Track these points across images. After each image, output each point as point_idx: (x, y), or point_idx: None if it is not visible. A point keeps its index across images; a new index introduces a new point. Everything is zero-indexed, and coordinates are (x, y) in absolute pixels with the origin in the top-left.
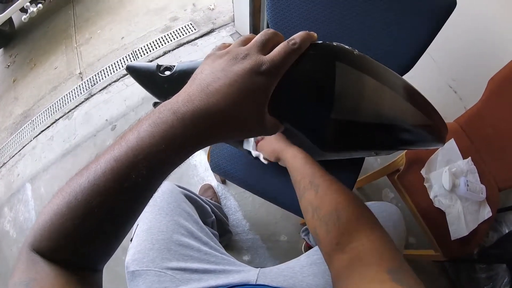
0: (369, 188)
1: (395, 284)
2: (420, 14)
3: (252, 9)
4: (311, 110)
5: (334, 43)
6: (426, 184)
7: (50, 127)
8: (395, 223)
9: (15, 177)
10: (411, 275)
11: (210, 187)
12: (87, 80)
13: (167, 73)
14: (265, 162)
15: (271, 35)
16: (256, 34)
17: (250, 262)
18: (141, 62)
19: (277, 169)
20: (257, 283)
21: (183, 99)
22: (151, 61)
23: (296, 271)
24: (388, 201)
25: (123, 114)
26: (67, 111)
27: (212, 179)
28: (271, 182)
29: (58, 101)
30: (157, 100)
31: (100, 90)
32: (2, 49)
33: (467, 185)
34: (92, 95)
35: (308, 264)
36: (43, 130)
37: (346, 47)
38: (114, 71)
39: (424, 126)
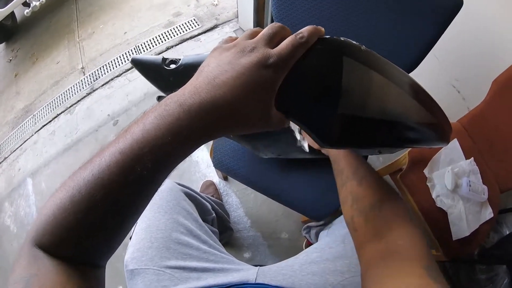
0: None
1: (431, 281)
2: (426, 13)
3: (256, 5)
4: (317, 105)
5: (342, 38)
6: (428, 184)
7: (52, 121)
8: None
9: (16, 171)
10: (441, 273)
11: (212, 183)
12: (89, 75)
13: (173, 66)
14: (306, 149)
15: (278, 29)
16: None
17: (251, 259)
18: (147, 55)
19: (281, 166)
20: (256, 282)
21: (190, 92)
22: None
23: (296, 270)
24: None
25: (125, 109)
26: (69, 106)
27: (214, 176)
28: (274, 179)
29: (60, 96)
30: (161, 94)
31: (102, 85)
32: (4, 43)
33: (469, 186)
34: (94, 90)
35: (307, 262)
36: (44, 125)
37: (354, 42)
38: (116, 66)
39: (429, 124)
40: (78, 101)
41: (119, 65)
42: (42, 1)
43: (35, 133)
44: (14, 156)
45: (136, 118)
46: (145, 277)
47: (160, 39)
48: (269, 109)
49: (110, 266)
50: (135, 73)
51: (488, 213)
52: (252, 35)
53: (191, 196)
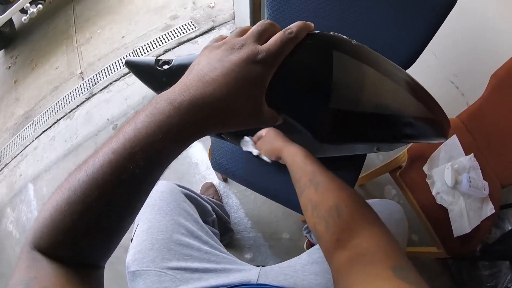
0: (371, 185)
1: (399, 281)
2: (421, 9)
3: (252, 7)
4: (309, 100)
5: (332, 33)
6: (428, 181)
7: (52, 127)
8: (398, 221)
9: (17, 177)
10: (414, 273)
11: (211, 185)
12: (88, 80)
13: (166, 67)
14: (269, 160)
15: (267, 26)
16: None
17: (252, 260)
18: (140, 57)
19: (279, 166)
20: (258, 282)
21: (180, 89)
22: None
23: (297, 270)
24: (390, 198)
25: (124, 113)
26: (68, 111)
27: (213, 178)
28: (272, 179)
29: (59, 101)
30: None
31: (101, 90)
32: (3, 50)
33: (470, 182)
34: (93, 95)
35: (309, 262)
36: (44, 131)
37: (344, 36)
38: (114, 71)
39: (425, 119)
40: (78, 106)
41: (117, 69)
42: (39, 8)
43: (35, 139)
44: (15, 162)
45: (128, 118)
46: (147, 279)
47: (158, 42)
48: (260, 105)
49: (111, 268)
50: (134, 77)
51: (489, 209)
52: (242, 33)
53: (191, 197)
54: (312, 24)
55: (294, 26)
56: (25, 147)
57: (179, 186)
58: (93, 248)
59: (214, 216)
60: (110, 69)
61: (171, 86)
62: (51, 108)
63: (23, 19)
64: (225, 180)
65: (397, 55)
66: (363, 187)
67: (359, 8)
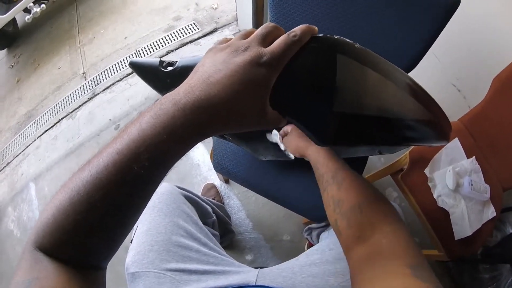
0: None
1: (416, 280)
2: (423, 12)
3: (255, 8)
4: (312, 103)
5: (335, 36)
6: (429, 184)
7: (54, 126)
8: None
9: (19, 176)
10: (431, 272)
11: (213, 186)
12: (91, 80)
13: (170, 68)
14: (292, 156)
15: (271, 29)
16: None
17: (252, 261)
18: (145, 58)
19: (280, 168)
20: (257, 284)
21: (184, 90)
22: None
23: (296, 272)
24: (391, 200)
25: (126, 114)
26: (70, 110)
27: (215, 179)
28: (274, 181)
29: (62, 101)
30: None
31: (104, 90)
32: (6, 49)
33: (471, 185)
34: (95, 95)
35: (307, 264)
36: (46, 130)
37: (347, 40)
38: (117, 71)
39: (427, 122)
40: (80, 106)
41: (120, 69)
42: (42, 8)
43: (37, 138)
44: (17, 161)
45: (133, 118)
46: (146, 280)
47: (160, 43)
48: (264, 107)
49: (111, 269)
50: (136, 78)
51: (490, 212)
52: (246, 36)
53: (191, 199)
54: (316, 28)
55: (298, 29)
56: (27, 146)
57: (179, 188)
58: (96, 248)
59: (214, 217)
60: (113, 70)
61: (175, 87)
62: (53, 108)
63: (26, 19)
64: (226, 182)
65: (399, 58)
66: None
67: (361, 12)
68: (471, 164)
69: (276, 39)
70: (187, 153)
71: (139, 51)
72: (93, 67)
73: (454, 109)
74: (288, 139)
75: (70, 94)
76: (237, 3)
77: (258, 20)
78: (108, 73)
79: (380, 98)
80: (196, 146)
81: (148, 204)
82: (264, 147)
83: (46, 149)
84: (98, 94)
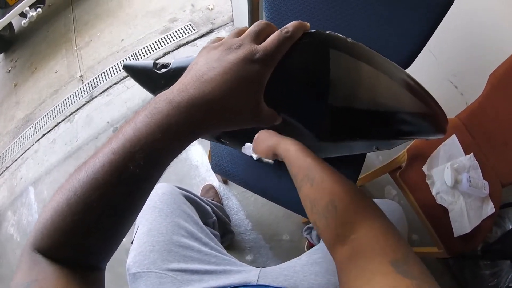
0: (371, 186)
1: (400, 276)
2: (417, 9)
3: (251, 8)
4: (307, 98)
5: (328, 32)
6: (428, 181)
7: (52, 130)
8: (397, 220)
9: (18, 180)
10: (417, 265)
11: (212, 187)
12: (88, 83)
13: (164, 70)
14: (271, 161)
15: (264, 26)
16: None
17: (252, 262)
18: (138, 60)
19: (277, 168)
20: (258, 283)
21: (178, 89)
22: None
23: (297, 271)
24: (390, 198)
25: (124, 116)
26: (68, 114)
27: (214, 180)
28: (271, 181)
29: (60, 105)
30: None
31: (101, 93)
32: (2, 54)
33: (470, 181)
34: (93, 98)
35: (309, 263)
36: (45, 134)
37: (339, 35)
38: (114, 74)
39: (422, 114)
40: (78, 109)
41: (117, 72)
42: (39, 12)
43: (35, 142)
44: (15, 166)
45: (128, 118)
46: (148, 280)
47: (157, 45)
48: (258, 104)
49: (112, 271)
50: (131, 82)
51: (489, 208)
52: (239, 34)
53: (191, 199)
54: (308, 24)
55: (290, 25)
56: (26, 150)
57: (179, 188)
58: (94, 248)
59: (215, 218)
60: (110, 72)
61: None
62: (51, 112)
63: (22, 23)
64: (225, 182)
65: (395, 55)
66: (363, 188)
67: (356, 9)
68: (469, 161)
69: (269, 36)
70: (185, 154)
71: (135, 54)
72: (90, 70)
73: (451, 105)
74: (256, 143)
75: (68, 98)
76: (233, 4)
77: (254, 20)
78: (105, 76)
79: (374, 91)
80: (194, 147)
81: (148, 205)
82: None
83: (45, 153)
84: (95, 97)
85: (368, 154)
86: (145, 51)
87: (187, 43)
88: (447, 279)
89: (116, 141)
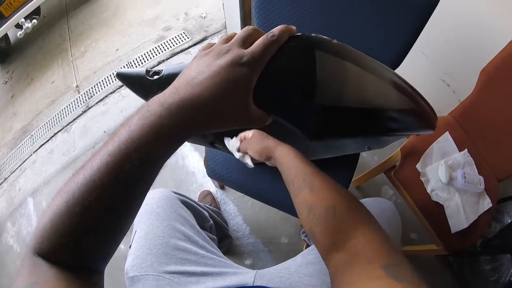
0: (368, 186)
1: (391, 280)
2: (403, 10)
3: (243, 15)
4: (296, 99)
5: (313, 34)
6: (422, 179)
7: (49, 141)
8: (389, 218)
9: (17, 191)
10: (408, 270)
11: (208, 193)
12: (84, 93)
13: (156, 77)
14: (251, 164)
15: (251, 31)
16: None
17: (252, 266)
18: (131, 68)
19: (271, 171)
20: (254, 284)
21: (170, 92)
22: None
23: (292, 272)
24: (387, 198)
25: (120, 124)
26: (65, 124)
27: (211, 186)
28: (267, 184)
29: (56, 115)
30: None
31: (97, 102)
32: None
33: (465, 177)
34: (89, 108)
35: (304, 264)
36: (42, 144)
37: (324, 37)
38: (110, 83)
39: (409, 111)
40: (74, 119)
41: (112, 82)
42: (34, 23)
43: (33, 152)
44: (14, 177)
45: (123, 122)
46: (145, 283)
47: (151, 54)
48: (247, 105)
49: (111, 275)
50: (127, 91)
51: (486, 203)
52: (228, 39)
53: (187, 204)
54: (294, 27)
55: (276, 29)
56: (24, 161)
57: (176, 193)
58: (93, 249)
59: (211, 222)
60: (106, 82)
61: None
62: (48, 122)
63: (18, 34)
64: (222, 188)
65: (383, 56)
66: (359, 188)
67: (343, 12)
68: (463, 157)
69: (256, 40)
70: (182, 161)
71: (130, 63)
72: (86, 80)
73: (444, 103)
74: (251, 141)
75: (64, 108)
76: (226, 11)
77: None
78: (101, 85)
79: (361, 89)
80: (191, 154)
81: (146, 209)
82: None
83: (43, 163)
84: (92, 107)
85: (363, 155)
86: (140, 60)
87: (182, 51)
88: (448, 277)
89: (112, 144)
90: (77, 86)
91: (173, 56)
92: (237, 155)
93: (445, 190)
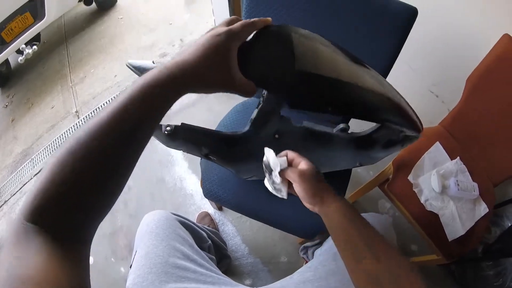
0: (365, 201)
1: None
2: (383, 27)
3: None
4: (279, 68)
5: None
6: (415, 190)
7: None
8: (382, 231)
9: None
10: None
11: (207, 214)
12: (84, 118)
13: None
14: (285, 195)
15: (234, 18)
16: None
17: (252, 285)
18: (140, 60)
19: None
20: None
21: (168, 60)
22: None
23: None
24: (384, 211)
25: None
26: None
27: (209, 207)
28: (263, 203)
29: (56, 140)
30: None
31: None
32: (0, 89)
33: (458, 185)
34: None
35: (301, 282)
36: (42, 168)
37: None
38: None
39: (380, 95)
40: None
41: None
42: (34, 49)
43: (34, 176)
44: (14, 200)
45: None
46: None
47: None
48: (229, 69)
49: None
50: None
51: (482, 209)
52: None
53: (186, 224)
54: (270, 18)
55: (254, 18)
56: (24, 184)
57: (174, 214)
58: (84, 203)
59: (209, 242)
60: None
61: None
62: (48, 146)
63: (19, 60)
64: (220, 209)
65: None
66: (356, 203)
67: (326, 28)
68: (455, 165)
69: None
70: (181, 184)
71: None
72: (86, 106)
73: (434, 114)
74: (303, 174)
75: (64, 133)
76: None
77: None
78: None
79: (332, 64)
80: (188, 176)
81: (146, 230)
82: (246, 169)
83: None
84: None
85: (358, 170)
86: None
87: None
88: (450, 285)
89: (116, 100)
90: (76, 111)
91: None
92: (275, 177)
93: (438, 199)
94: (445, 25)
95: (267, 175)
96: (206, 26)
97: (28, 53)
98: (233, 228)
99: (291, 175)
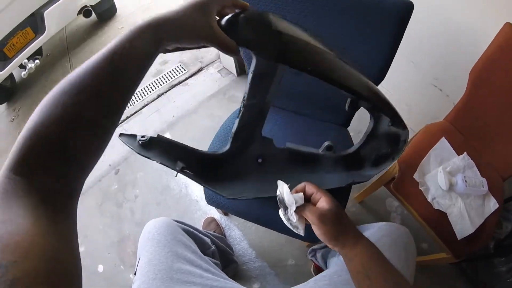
0: (372, 200)
1: None
2: (379, 22)
3: None
4: (257, 30)
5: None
6: (421, 188)
7: None
8: (406, 244)
9: None
10: None
11: (213, 219)
12: None
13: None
14: (302, 232)
15: None
16: (242, 68)
17: None
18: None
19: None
20: None
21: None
22: (146, 105)
23: None
24: (392, 210)
25: (124, 158)
26: None
27: (214, 212)
28: (265, 209)
29: None
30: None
31: None
32: (5, 104)
33: (465, 181)
34: None
35: None
36: None
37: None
38: None
39: (356, 73)
40: None
41: None
42: (37, 63)
43: None
44: None
45: (128, 161)
46: None
47: (151, 88)
48: (209, 24)
49: None
50: (130, 124)
51: (492, 204)
52: None
53: (188, 231)
54: (247, 3)
55: None
56: None
57: (176, 221)
58: (75, 146)
59: (213, 248)
60: None
61: None
62: None
63: (22, 74)
64: (225, 214)
65: (368, 68)
66: (363, 203)
67: (321, 29)
68: (463, 161)
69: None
70: (186, 190)
71: (131, 98)
72: None
73: (440, 109)
74: (323, 213)
75: None
76: None
77: (239, 58)
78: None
79: (307, 39)
80: (193, 182)
81: (148, 237)
82: (233, 189)
83: None
84: None
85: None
86: (140, 94)
87: (179, 83)
88: (462, 283)
89: (106, 46)
90: None
91: (171, 89)
92: (291, 215)
93: (446, 197)
94: (445, 18)
95: (282, 209)
96: None
97: (30, 67)
98: (240, 232)
99: (310, 217)
